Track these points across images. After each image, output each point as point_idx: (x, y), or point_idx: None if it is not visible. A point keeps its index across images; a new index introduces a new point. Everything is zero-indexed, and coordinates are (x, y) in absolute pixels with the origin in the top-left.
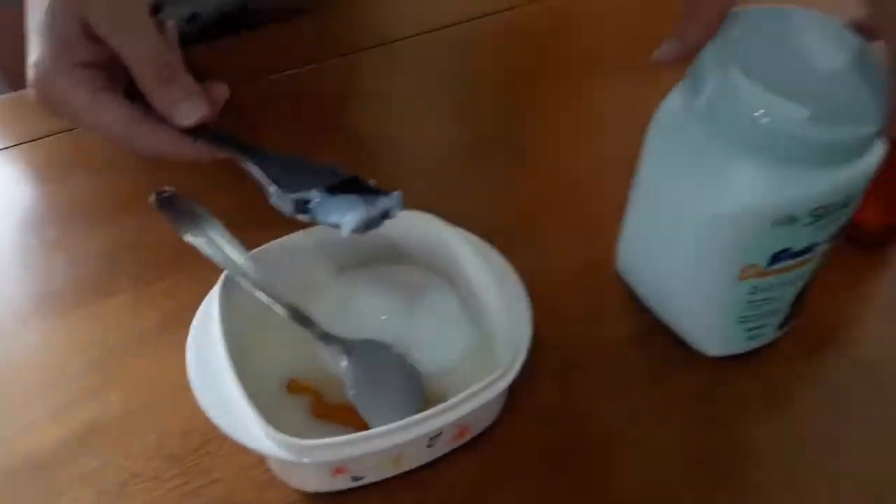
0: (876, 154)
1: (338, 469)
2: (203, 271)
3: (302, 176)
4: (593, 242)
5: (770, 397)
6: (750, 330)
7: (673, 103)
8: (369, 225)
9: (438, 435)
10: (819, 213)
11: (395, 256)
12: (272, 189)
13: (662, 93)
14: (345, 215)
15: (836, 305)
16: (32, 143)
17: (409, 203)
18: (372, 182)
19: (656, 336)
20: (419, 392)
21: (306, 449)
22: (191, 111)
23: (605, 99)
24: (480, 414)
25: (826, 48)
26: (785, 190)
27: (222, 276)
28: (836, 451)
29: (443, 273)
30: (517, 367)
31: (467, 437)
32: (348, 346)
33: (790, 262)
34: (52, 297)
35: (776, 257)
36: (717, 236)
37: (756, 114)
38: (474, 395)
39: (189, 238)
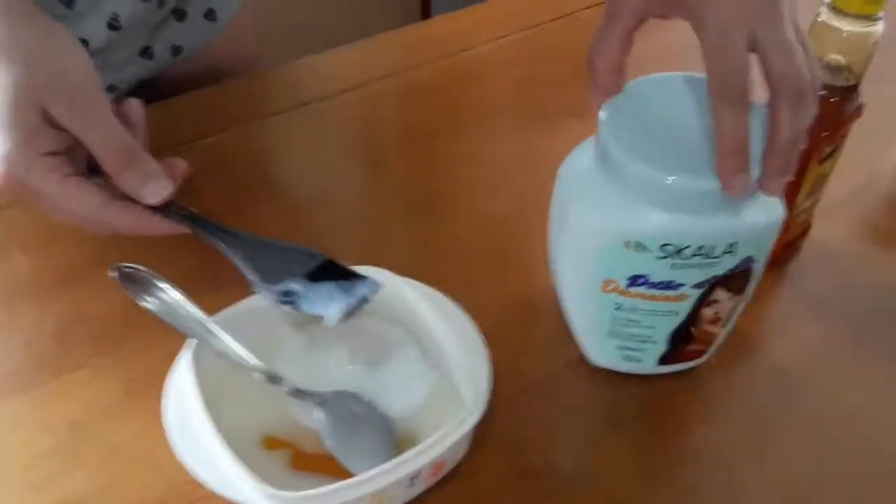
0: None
1: None
2: (159, 338)
3: (279, 261)
4: (530, 274)
5: (705, 407)
6: (624, 349)
7: (577, 155)
8: (350, 314)
9: (417, 474)
10: (669, 250)
11: None
12: (254, 279)
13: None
14: (328, 306)
15: (753, 320)
16: None
17: (351, 256)
18: (345, 265)
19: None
20: (390, 435)
21: (298, 500)
22: (156, 191)
23: (512, 145)
24: (452, 451)
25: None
26: (635, 219)
27: (191, 340)
28: (760, 452)
29: (399, 322)
30: (482, 405)
31: (442, 473)
32: (321, 399)
33: (653, 292)
34: (10, 378)
35: (633, 280)
36: (583, 248)
37: (628, 166)
38: (447, 434)
39: (151, 308)
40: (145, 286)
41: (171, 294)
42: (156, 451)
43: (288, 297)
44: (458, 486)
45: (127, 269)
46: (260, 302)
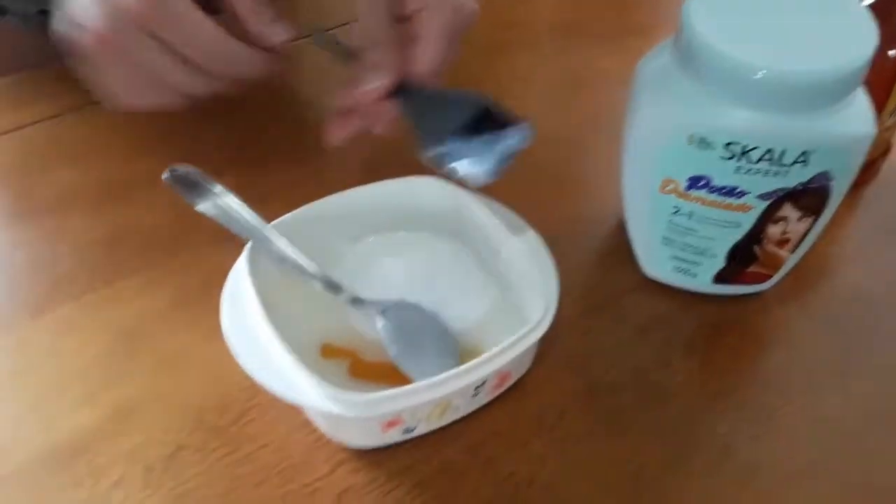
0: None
1: (391, 422)
2: (212, 249)
3: (443, 113)
4: (595, 194)
5: (779, 331)
6: (679, 261)
7: (654, 53)
8: (498, 173)
9: (482, 384)
10: (734, 150)
11: (408, 223)
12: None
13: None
14: (475, 166)
15: (826, 243)
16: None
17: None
18: (502, 110)
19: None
20: (455, 346)
21: (366, 403)
22: (282, 29)
23: (576, 64)
24: (517, 363)
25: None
26: (702, 112)
27: (247, 246)
28: (842, 377)
29: (463, 236)
30: (550, 317)
31: (506, 385)
32: (382, 307)
33: (714, 198)
34: (61, 284)
35: (694, 181)
36: (646, 144)
37: (701, 51)
38: (514, 344)
39: (206, 211)
40: (199, 190)
41: (226, 199)
42: (210, 360)
43: (441, 160)
44: (521, 402)
45: (180, 172)
46: (316, 210)
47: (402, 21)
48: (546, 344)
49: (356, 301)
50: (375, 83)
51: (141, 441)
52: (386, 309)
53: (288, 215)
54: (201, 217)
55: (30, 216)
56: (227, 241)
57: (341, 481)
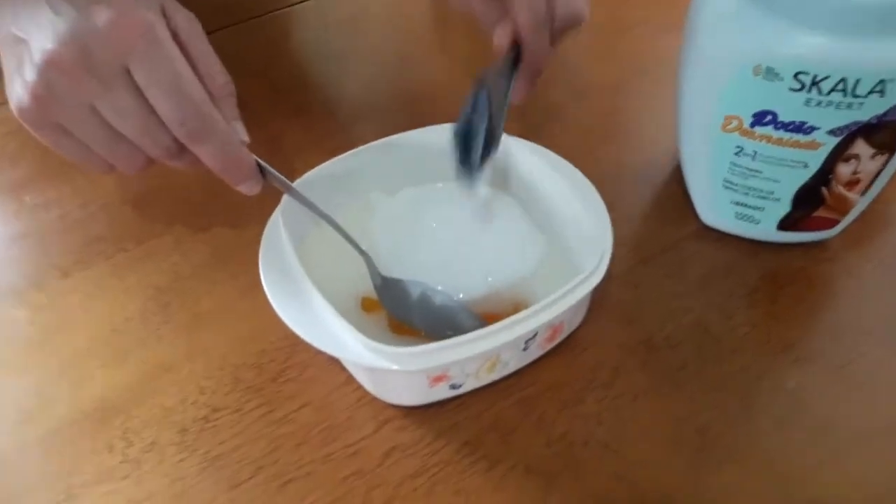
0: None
1: (438, 377)
2: (244, 208)
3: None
4: (648, 143)
5: (846, 282)
6: (740, 206)
7: None
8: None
9: (533, 337)
10: (804, 81)
11: (449, 173)
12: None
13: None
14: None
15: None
16: None
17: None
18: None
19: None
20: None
21: (411, 356)
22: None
23: (622, 13)
24: (570, 314)
25: None
26: (768, 38)
27: (282, 200)
28: None
29: (500, 185)
30: (604, 267)
31: (558, 339)
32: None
33: (781, 135)
34: (92, 244)
35: (759, 117)
36: (707, 78)
37: None
38: (566, 295)
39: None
40: None
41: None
42: (246, 318)
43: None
44: (574, 357)
45: None
46: (350, 161)
47: None
48: (599, 297)
49: (384, 280)
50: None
51: (175, 402)
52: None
53: (324, 165)
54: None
55: (60, 176)
56: (261, 198)
57: (387, 440)
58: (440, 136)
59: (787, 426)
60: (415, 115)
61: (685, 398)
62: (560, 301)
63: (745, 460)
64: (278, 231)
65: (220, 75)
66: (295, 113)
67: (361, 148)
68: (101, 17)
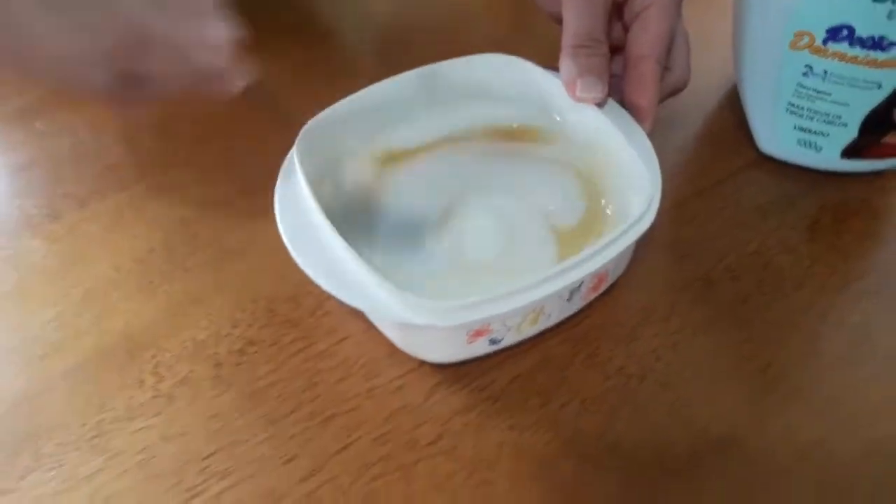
0: None
1: (477, 332)
2: (266, 137)
3: None
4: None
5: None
6: (804, 132)
7: None
8: None
9: (578, 287)
10: None
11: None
12: None
13: None
14: None
15: None
16: None
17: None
18: None
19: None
20: None
21: (446, 311)
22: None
23: None
24: (615, 263)
25: None
26: None
27: (302, 131)
28: None
29: (548, 113)
30: (653, 212)
31: (604, 287)
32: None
33: (856, 52)
34: (107, 173)
35: (833, 32)
36: None
37: None
38: (611, 243)
39: None
40: None
41: None
42: (280, 247)
43: None
44: (627, 295)
45: None
46: (375, 95)
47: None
48: (651, 230)
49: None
50: (591, 94)
51: (207, 336)
52: None
53: (356, 94)
54: (260, 101)
55: (72, 103)
56: (294, 123)
57: (431, 375)
58: (467, 65)
59: (853, 362)
60: (453, 44)
61: (746, 334)
62: (605, 250)
63: (809, 398)
64: (295, 167)
65: None
66: (321, 41)
67: (387, 80)
68: None
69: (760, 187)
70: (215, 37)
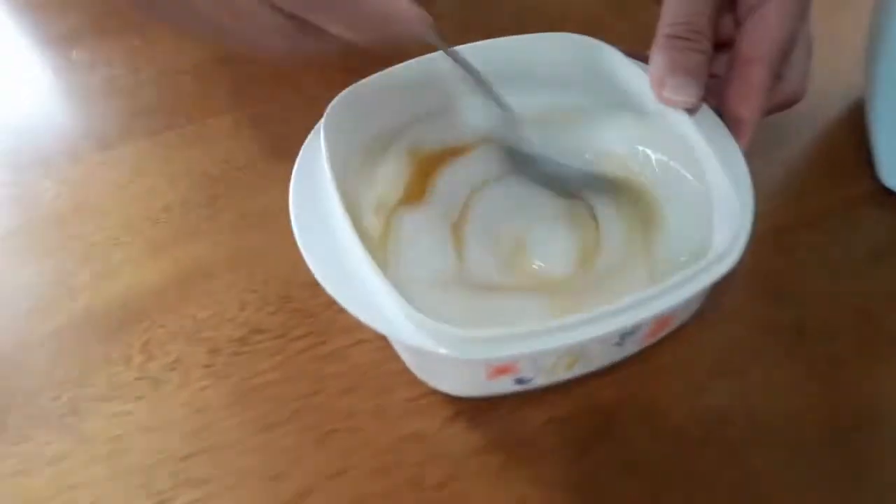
0: None
1: (499, 369)
2: (311, 95)
3: None
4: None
5: None
6: None
7: None
8: None
9: (632, 332)
10: None
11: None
12: None
13: None
14: None
15: None
16: None
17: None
18: None
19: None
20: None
21: (465, 342)
22: None
23: None
24: (683, 307)
25: None
26: None
27: (331, 105)
28: None
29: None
30: (739, 250)
31: (663, 333)
32: None
33: None
34: (138, 117)
35: None
36: None
37: None
38: (682, 283)
39: None
40: None
41: None
42: None
43: None
44: (698, 335)
45: None
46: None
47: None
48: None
49: None
50: (681, 97)
51: (209, 315)
52: None
53: (393, 68)
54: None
55: (113, 34)
56: (342, 82)
57: (451, 402)
58: (528, 44)
59: None
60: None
61: (840, 405)
62: (672, 292)
63: None
64: (320, 148)
65: None
66: None
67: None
68: None
69: (876, 226)
70: None
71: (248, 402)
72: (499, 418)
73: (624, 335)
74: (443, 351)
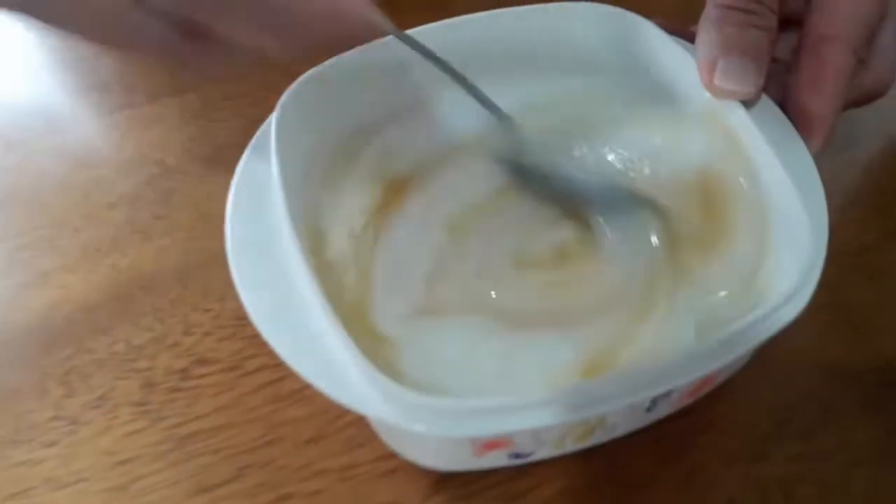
0: None
1: (489, 444)
2: (297, 64)
3: None
4: None
5: None
6: None
7: None
8: None
9: (667, 394)
10: None
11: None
12: None
13: None
14: None
15: None
16: None
17: None
18: None
19: None
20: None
21: (444, 414)
22: None
23: None
24: (734, 363)
25: None
26: None
27: (287, 93)
28: None
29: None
30: (807, 295)
31: (708, 389)
32: None
33: None
34: (89, 93)
35: None
36: None
37: None
38: (731, 341)
39: None
40: None
41: None
42: None
43: None
44: (754, 381)
45: None
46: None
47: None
48: None
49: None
50: (735, 85)
51: (147, 340)
52: None
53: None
54: None
55: None
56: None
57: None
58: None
59: None
60: None
61: None
62: (719, 353)
63: None
64: (268, 156)
65: None
66: None
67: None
68: None
69: None
70: None
71: (186, 454)
72: (496, 485)
73: (656, 398)
74: (418, 428)
